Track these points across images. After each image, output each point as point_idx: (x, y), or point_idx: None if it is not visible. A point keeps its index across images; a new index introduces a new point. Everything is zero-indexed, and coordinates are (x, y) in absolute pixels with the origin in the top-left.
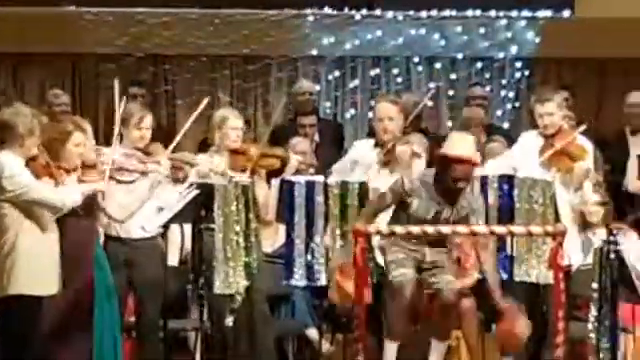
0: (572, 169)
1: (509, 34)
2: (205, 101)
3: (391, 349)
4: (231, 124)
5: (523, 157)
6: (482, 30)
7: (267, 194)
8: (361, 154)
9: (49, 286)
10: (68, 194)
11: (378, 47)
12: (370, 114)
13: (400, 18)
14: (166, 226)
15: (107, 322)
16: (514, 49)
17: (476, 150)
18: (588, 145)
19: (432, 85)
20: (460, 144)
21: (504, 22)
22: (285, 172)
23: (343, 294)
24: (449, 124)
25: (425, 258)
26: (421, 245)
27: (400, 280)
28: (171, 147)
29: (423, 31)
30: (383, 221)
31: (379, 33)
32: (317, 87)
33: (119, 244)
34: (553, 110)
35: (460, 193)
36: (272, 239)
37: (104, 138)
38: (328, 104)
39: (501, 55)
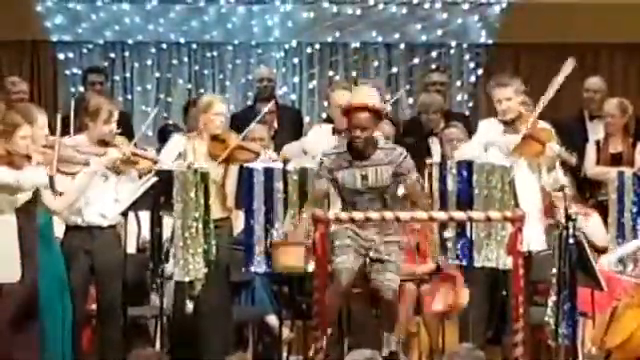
0: (542, 152)
1: (467, 20)
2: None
3: None
4: (216, 109)
5: (488, 145)
6: (441, 16)
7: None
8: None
9: (9, 273)
10: (25, 174)
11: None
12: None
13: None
14: (125, 214)
15: (56, 316)
16: (472, 35)
17: (375, 97)
18: (550, 127)
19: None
20: (355, 94)
21: (464, 7)
22: None
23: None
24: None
25: (372, 245)
26: (367, 231)
27: (339, 268)
28: (134, 141)
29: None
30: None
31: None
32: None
33: (79, 233)
34: (511, 95)
35: (368, 146)
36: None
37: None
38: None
39: (459, 41)
